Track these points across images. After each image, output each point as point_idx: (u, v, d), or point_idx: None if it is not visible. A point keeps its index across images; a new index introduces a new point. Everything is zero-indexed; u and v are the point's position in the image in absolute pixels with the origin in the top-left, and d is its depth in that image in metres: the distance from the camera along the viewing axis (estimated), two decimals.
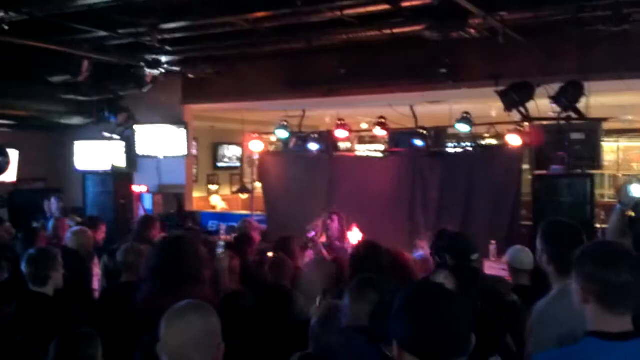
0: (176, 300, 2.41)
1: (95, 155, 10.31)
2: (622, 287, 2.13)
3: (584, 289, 2.20)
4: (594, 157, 7.29)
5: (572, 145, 7.15)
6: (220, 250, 5.99)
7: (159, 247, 3.93)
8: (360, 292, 3.01)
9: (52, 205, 8.39)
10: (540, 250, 3.15)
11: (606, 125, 7.98)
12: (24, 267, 4.22)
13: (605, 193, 12.69)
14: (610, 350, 2.11)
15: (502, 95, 7.07)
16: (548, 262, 3.06)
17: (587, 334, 2.17)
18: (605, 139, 8.71)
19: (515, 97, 6.98)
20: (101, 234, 7.12)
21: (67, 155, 10.80)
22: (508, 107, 7.13)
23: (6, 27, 6.29)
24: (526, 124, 7.56)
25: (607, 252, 2.22)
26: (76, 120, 10.38)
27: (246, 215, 9.44)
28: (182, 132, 10.10)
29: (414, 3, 6.02)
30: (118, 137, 9.80)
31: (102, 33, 7.36)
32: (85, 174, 9.99)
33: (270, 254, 5.95)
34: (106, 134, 9.71)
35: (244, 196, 12.93)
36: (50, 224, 7.19)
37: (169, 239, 4.30)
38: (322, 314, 3.18)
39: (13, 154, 8.95)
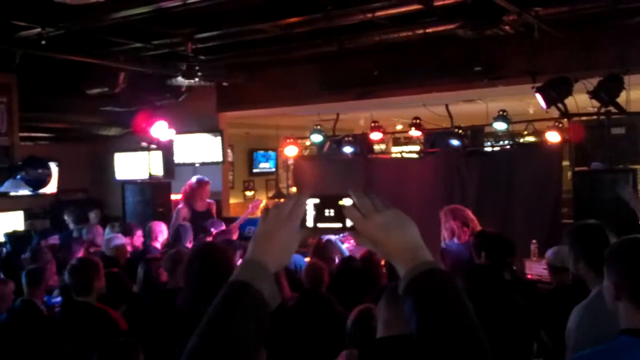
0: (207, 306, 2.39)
1: (134, 164, 10.45)
2: None
3: (617, 286, 2.12)
4: (636, 152, 7.12)
5: (613, 141, 7.00)
6: None
7: (192, 254, 3.97)
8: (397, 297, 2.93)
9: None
10: (574, 257, 3.08)
11: None
12: (66, 277, 4.30)
13: None
14: None
15: (540, 91, 6.95)
16: (587, 268, 2.99)
17: (621, 331, 2.10)
18: None
19: (553, 93, 6.85)
20: (138, 239, 7.22)
21: (107, 165, 10.98)
22: (546, 103, 7.00)
23: (43, 42, 6.43)
24: (565, 120, 7.42)
25: None
26: (114, 131, 10.55)
27: None
28: (218, 139, 10.18)
29: (447, 2, 5.96)
30: (155, 147, 9.92)
31: (137, 44, 7.48)
32: (123, 184, 10.14)
33: (307, 259, 5.95)
34: (144, 144, 9.84)
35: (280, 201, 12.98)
36: (84, 231, 7.34)
37: (200, 246, 4.33)
38: (357, 318, 3.17)
39: (53, 166, 9.14)
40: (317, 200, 1.46)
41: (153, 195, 9.50)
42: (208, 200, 8.80)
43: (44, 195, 9.93)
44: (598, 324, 2.65)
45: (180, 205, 8.62)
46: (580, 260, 3.03)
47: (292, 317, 4.31)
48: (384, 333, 2.82)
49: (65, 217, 8.86)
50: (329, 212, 1.46)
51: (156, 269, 5.27)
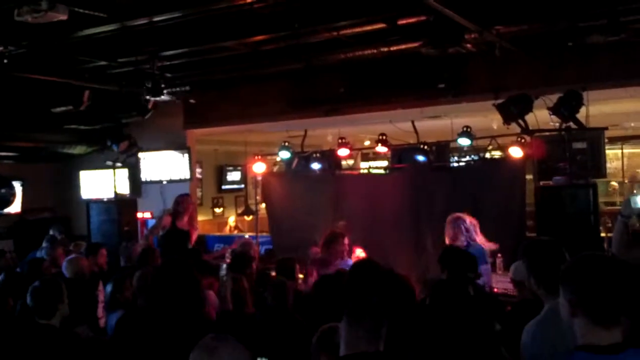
0: (176, 323, 2.43)
1: (99, 183, 10.35)
2: (611, 299, 2.09)
3: (572, 302, 2.14)
4: (597, 166, 7.26)
5: (574, 155, 7.13)
6: (223, 273, 5.97)
7: (157, 272, 3.99)
8: (357, 316, 2.94)
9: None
10: (526, 274, 3.13)
11: (610, 133, 7.94)
12: (29, 299, 4.21)
13: (611, 200, 12.65)
14: None
15: (501, 108, 7.07)
16: (537, 284, 3.04)
17: (576, 348, 2.11)
18: (609, 147, 8.64)
19: (514, 109, 6.97)
20: (102, 258, 7.13)
21: (72, 184, 10.86)
22: (507, 120, 7.12)
23: (5, 61, 6.36)
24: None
25: (595, 264, 2.18)
26: (80, 150, 10.45)
27: (251, 237, 9.44)
28: (185, 156, 10.14)
29: (410, 20, 6.05)
30: (121, 165, 9.83)
31: (102, 62, 7.43)
32: (88, 203, 10.01)
33: (273, 273, 5.96)
34: (109, 162, 9.75)
35: (249, 218, 12.95)
36: (44, 252, 7.25)
37: (164, 264, 4.34)
38: (321, 335, 3.18)
39: (17, 186, 9.01)
40: None
41: (119, 214, 9.40)
42: (196, 229, 8.50)
43: (8, 215, 9.77)
44: (550, 340, 2.68)
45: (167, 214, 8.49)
46: (530, 277, 3.08)
47: (258, 333, 4.30)
48: (345, 352, 2.84)
49: (51, 232, 8.76)
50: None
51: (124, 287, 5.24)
